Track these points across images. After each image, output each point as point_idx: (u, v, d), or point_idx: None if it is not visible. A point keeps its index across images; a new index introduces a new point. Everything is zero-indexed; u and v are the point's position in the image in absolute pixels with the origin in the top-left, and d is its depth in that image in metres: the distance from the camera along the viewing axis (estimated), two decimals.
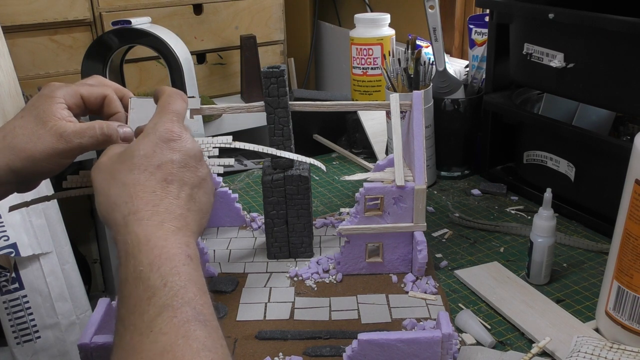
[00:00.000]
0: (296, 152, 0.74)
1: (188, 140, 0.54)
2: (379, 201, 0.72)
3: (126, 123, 0.64)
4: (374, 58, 1.22)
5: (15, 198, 0.67)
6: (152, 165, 0.51)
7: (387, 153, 1.11)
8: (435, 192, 1.01)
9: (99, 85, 0.63)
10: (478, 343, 0.64)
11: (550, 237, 0.72)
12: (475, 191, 1.00)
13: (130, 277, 0.45)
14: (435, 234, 0.87)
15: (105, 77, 1.26)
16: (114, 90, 0.64)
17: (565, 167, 0.89)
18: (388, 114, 1.02)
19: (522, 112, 0.96)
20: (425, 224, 0.73)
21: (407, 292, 0.72)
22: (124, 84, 1.40)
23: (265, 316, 0.69)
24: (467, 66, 1.19)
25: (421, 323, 0.66)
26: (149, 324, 0.42)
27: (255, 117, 1.57)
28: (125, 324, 0.43)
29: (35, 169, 0.56)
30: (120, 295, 0.46)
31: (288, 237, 0.79)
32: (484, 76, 1.03)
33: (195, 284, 0.46)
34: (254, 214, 0.90)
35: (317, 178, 1.09)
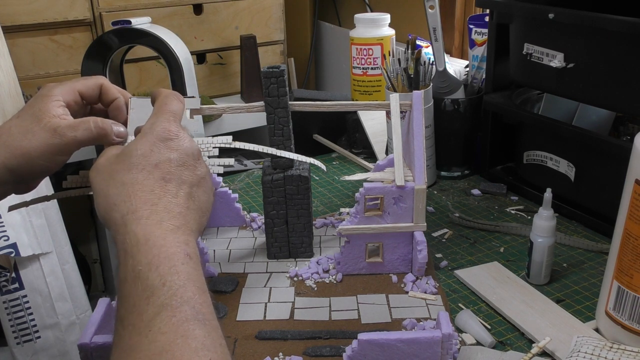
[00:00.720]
0: (296, 152, 0.74)
1: (185, 139, 0.54)
2: (379, 201, 0.72)
3: (126, 120, 0.64)
4: (374, 58, 1.22)
5: (15, 198, 0.67)
6: (150, 164, 0.51)
7: (387, 153, 1.11)
8: (435, 192, 1.01)
9: (95, 78, 0.63)
10: (478, 343, 0.64)
11: (550, 237, 0.72)
12: (475, 191, 1.00)
13: (129, 276, 0.45)
14: (435, 234, 0.87)
15: (105, 77, 1.27)
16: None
17: (565, 167, 0.89)
18: (388, 114, 1.02)
19: (522, 112, 0.96)
20: (425, 224, 0.73)
21: (407, 292, 0.72)
22: (124, 84, 1.40)
23: (265, 316, 0.69)
24: (467, 66, 1.19)
25: (421, 323, 0.66)
26: (148, 323, 0.42)
27: (255, 117, 1.57)
28: (124, 324, 0.43)
29: (31, 167, 0.56)
30: (120, 294, 0.46)
31: (288, 237, 0.79)
32: (484, 76, 1.03)
33: (194, 283, 0.46)
34: (254, 214, 0.90)
35: (317, 178, 1.09)
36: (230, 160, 0.67)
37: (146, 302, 0.43)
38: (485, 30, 1.06)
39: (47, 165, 0.57)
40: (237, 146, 0.68)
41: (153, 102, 0.59)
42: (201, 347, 0.41)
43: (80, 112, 0.62)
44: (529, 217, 0.91)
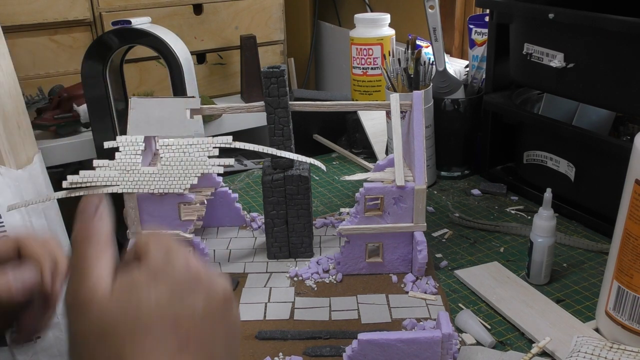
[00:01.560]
0: (296, 152, 0.74)
1: (215, 277, 0.39)
2: (379, 201, 0.72)
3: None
4: (374, 58, 1.22)
5: (14, 198, 0.67)
6: (166, 323, 0.36)
7: (387, 153, 1.11)
8: (435, 192, 1.01)
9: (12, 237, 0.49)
10: (478, 343, 0.64)
11: (550, 237, 0.72)
12: (475, 191, 1.00)
13: None
14: (435, 234, 0.87)
15: (105, 77, 1.27)
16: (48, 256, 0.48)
17: (565, 167, 0.89)
18: (388, 114, 1.02)
19: (522, 112, 0.96)
20: (425, 224, 0.73)
21: (407, 292, 0.72)
22: (124, 84, 1.40)
23: (265, 316, 0.69)
24: (467, 66, 1.19)
25: (421, 323, 0.66)
26: None
27: (255, 117, 1.57)
28: None
29: None
30: None
31: (288, 237, 0.79)
32: (484, 76, 1.03)
33: None
34: (254, 214, 0.90)
35: (317, 178, 1.09)
36: (230, 160, 0.67)
37: None
38: (485, 30, 1.06)
39: None
40: (237, 146, 0.68)
41: (135, 254, 0.39)
42: None
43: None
44: (529, 217, 0.91)
